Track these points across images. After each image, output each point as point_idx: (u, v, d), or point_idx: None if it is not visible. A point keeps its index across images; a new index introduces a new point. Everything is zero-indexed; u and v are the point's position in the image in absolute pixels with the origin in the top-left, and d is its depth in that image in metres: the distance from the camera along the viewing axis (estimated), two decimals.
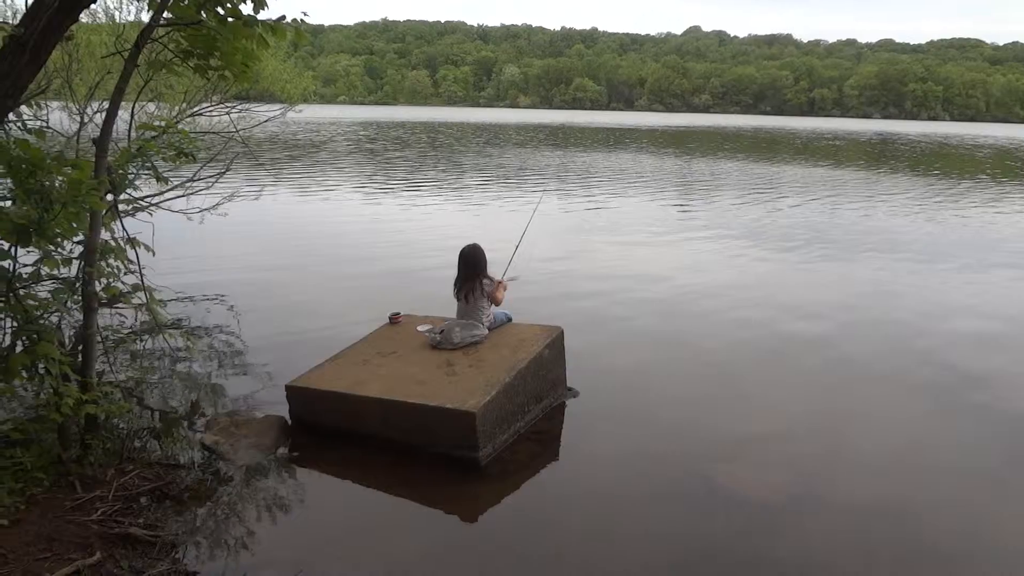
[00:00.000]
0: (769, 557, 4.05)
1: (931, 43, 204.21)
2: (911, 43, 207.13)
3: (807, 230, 14.66)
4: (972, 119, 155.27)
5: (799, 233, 14.26)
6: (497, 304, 6.16)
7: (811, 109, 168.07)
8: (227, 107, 9.19)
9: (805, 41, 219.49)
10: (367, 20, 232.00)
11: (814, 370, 6.98)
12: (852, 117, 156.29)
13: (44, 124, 6.32)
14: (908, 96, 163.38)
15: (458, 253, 6.12)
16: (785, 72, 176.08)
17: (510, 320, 6.26)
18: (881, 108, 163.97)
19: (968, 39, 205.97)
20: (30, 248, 4.11)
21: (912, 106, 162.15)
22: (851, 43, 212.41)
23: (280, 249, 11.87)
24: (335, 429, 5.30)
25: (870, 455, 5.31)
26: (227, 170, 8.91)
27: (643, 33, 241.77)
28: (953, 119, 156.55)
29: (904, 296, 9.72)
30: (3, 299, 4.12)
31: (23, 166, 3.82)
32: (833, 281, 10.52)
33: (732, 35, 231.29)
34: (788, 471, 5.05)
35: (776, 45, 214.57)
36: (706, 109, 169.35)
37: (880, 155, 40.88)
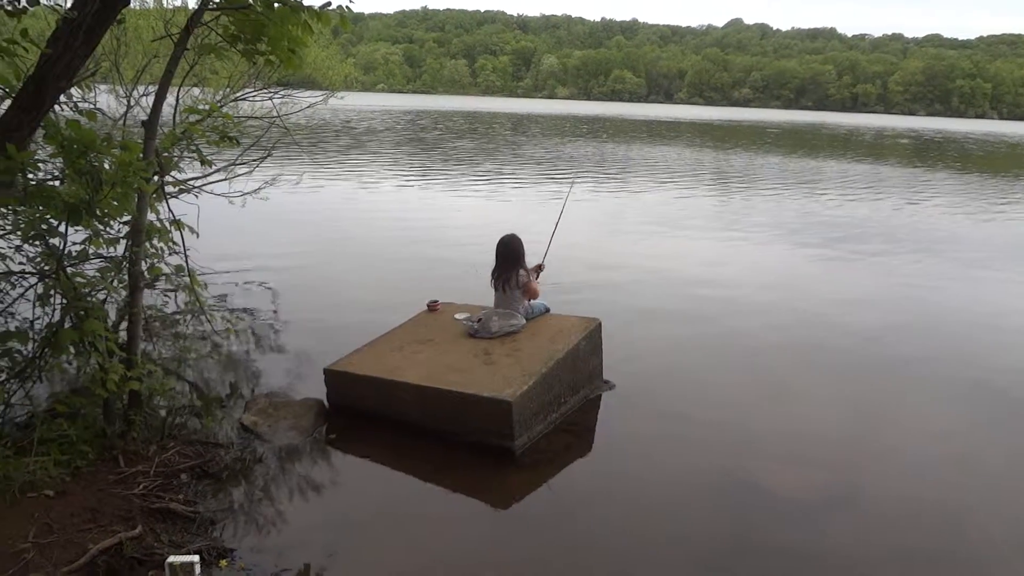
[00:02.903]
0: (804, 556, 4.01)
1: (980, 39, 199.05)
2: (960, 38, 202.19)
3: (863, 229, 14.39)
4: (1022, 118, 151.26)
5: (853, 232, 13.98)
6: (533, 299, 6.16)
7: (854, 105, 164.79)
8: (270, 92, 9.27)
9: (849, 35, 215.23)
10: (407, 8, 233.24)
11: (856, 370, 6.87)
12: (896, 114, 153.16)
13: (93, 106, 6.43)
14: (955, 93, 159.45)
15: (496, 243, 6.13)
16: (828, 67, 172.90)
17: (548, 311, 6.25)
18: (926, 105, 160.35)
19: (1020, 35, 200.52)
20: (78, 227, 4.20)
21: (959, 103, 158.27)
22: (897, 37, 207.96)
23: (321, 234, 11.96)
24: (372, 414, 5.34)
25: (911, 458, 5.22)
26: (269, 155, 9.00)
27: (684, 25, 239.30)
28: (1002, 118, 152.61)
29: (955, 298, 9.52)
30: (53, 276, 4.21)
31: (74, 146, 3.89)
32: (882, 281, 10.32)
33: (775, 28, 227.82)
34: (827, 471, 4.98)
35: (820, 39, 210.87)
36: (746, 103, 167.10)
37: (941, 155, 39.96)
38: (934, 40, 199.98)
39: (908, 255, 12.02)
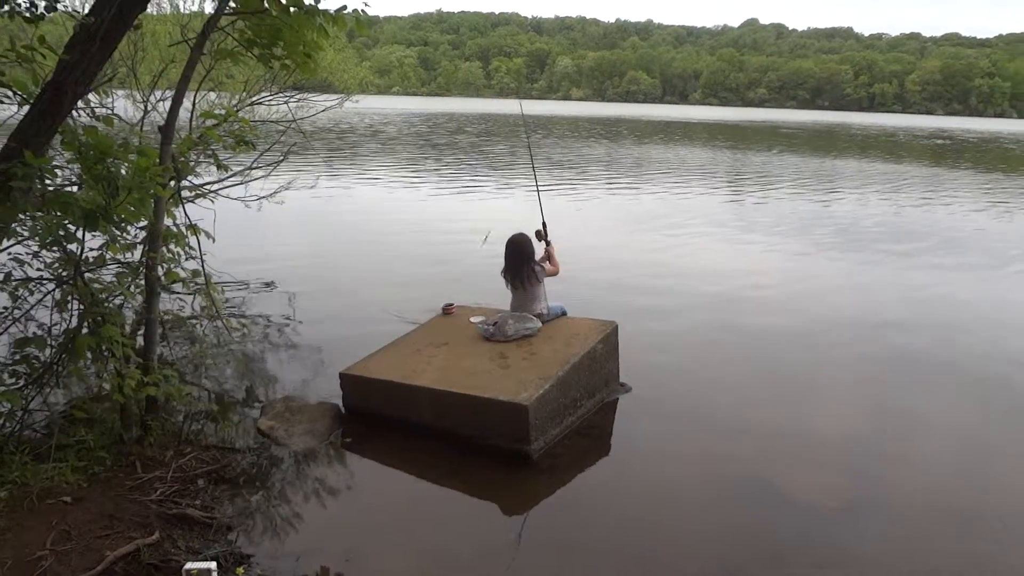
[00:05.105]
0: (825, 563, 3.94)
1: (1000, 37, 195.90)
2: (978, 37, 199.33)
3: (882, 230, 14.26)
4: None
5: (871, 232, 13.88)
6: (555, 274, 6.20)
7: (871, 105, 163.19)
8: (285, 96, 9.29)
9: (866, 34, 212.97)
10: (421, 11, 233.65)
11: (876, 373, 6.78)
12: (913, 113, 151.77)
13: (110, 111, 6.47)
14: (973, 92, 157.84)
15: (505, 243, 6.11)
16: (845, 66, 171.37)
17: (565, 313, 6.23)
18: (944, 104, 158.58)
19: None
20: (95, 233, 4.21)
21: (977, 102, 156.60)
22: (915, 36, 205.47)
23: (335, 238, 11.98)
24: (388, 418, 5.32)
25: (932, 463, 5.14)
26: (285, 159, 9.02)
27: (699, 25, 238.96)
28: (1021, 116, 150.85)
29: (975, 300, 9.40)
30: (71, 282, 4.22)
31: (91, 152, 3.90)
32: (899, 281, 10.20)
33: (791, 28, 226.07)
34: (847, 475, 4.92)
35: (836, 38, 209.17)
36: (761, 103, 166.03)
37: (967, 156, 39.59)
38: (952, 39, 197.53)
39: (933, 255, 11.90)
